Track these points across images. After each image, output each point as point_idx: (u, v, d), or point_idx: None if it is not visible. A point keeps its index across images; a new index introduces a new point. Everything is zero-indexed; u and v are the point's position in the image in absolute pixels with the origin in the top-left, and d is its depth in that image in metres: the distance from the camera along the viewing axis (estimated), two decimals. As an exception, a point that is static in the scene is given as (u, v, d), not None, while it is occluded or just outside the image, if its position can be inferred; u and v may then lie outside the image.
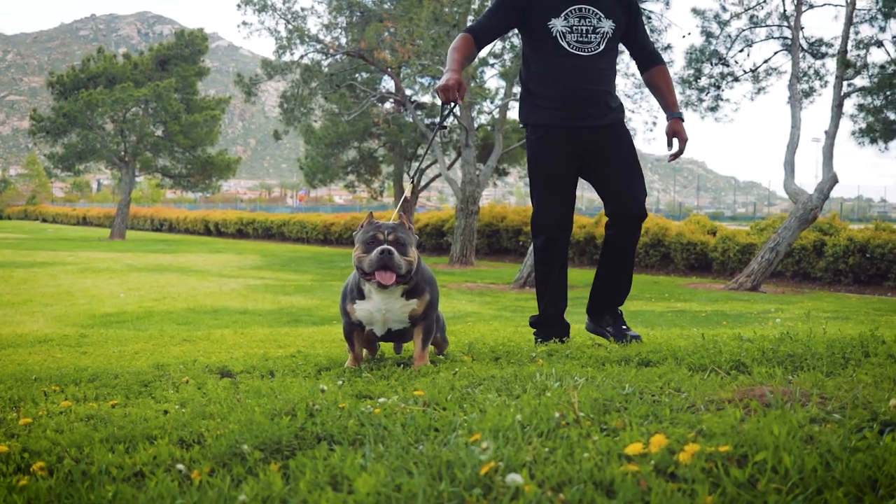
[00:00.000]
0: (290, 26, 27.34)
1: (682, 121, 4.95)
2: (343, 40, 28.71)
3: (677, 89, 24.46)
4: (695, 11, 23.24)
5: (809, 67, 22.16)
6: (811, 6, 21.57)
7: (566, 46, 4.65)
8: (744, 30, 23.03)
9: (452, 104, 4.64)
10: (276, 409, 2.38)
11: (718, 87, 23.99)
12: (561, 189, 4.77)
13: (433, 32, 21.40)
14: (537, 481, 1.52)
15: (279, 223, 41.93)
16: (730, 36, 23.28)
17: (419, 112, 29.97)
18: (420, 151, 34.48)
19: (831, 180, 19.62)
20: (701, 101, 24.14)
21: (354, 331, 4.17)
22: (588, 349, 3.94)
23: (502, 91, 28.19)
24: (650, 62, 5.04)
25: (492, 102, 28.47)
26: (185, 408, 2.71)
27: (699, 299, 17.09)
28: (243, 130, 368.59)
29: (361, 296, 4.07)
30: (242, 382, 3.21)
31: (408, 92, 29.27)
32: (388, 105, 32.77)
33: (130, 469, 2.05)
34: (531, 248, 19.76)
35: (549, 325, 4.90)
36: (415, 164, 35.75)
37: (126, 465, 2.06)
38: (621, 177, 4.76)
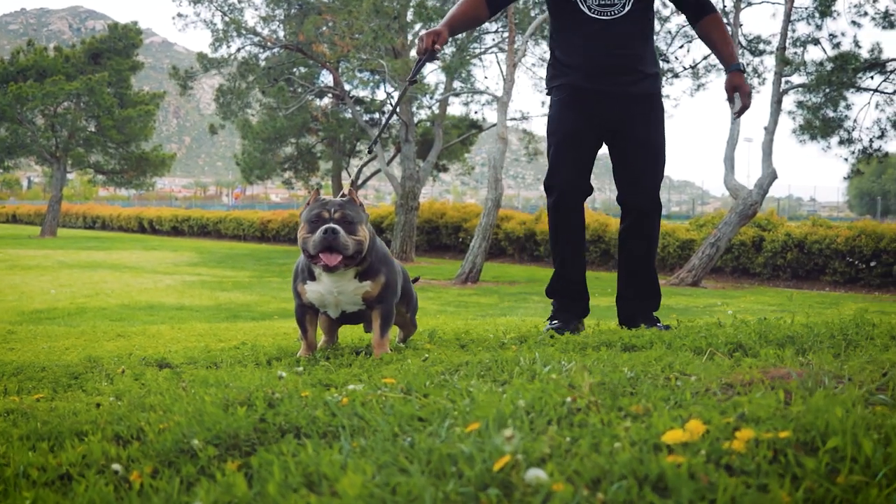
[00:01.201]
0: (226, 18, 26.77)
1: (744, 72, 4.59)
2: (281, 33, 28.19)
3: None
4: (635, 7, 23.18)
5: (748, 64, 22.26)
6: (749, 3, 21.69)
7: (587, 11, 4.30)
8: (684, 26, 23.06)
9: (426, 56, 4.32)
10: (229, 398, 2.03)
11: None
12: (577, 148, 4.44)
13: (374, 25, 21.05)
14: (566, 477, 1.23)
15: (215, 220, 41.24)
16: (670, 32, 23.33)
17: (358, 107, 29.55)
18: (360, 147, 34.06)
19: (771, 176, 19.72)
20: (641, 96, 24.10)
21: (307, 314, 3.85)
22: (564, 336, 3.67)
23: (442, 86, 27.96)
24: (700, 12, 4.58)
25: (431, 97, 28.21)
26: (120, 400, 2.36)
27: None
28: (178, 128, 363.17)
29: (312, 276, 3.74)
30: (186, 372, 2.85)
31: (346, 87, 28.88)
32: (326, 100, 32.28)
33: (55, 471, 1.72)
34: (472, 243, 19.57)
35: (565, 292, 4.62)
36: (353, 161, 35.32)
37: (50, 466, 1.73)
38: (640, 162, 4.45)
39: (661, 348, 2.71)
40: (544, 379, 1.98)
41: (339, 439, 1.62)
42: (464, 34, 26.02)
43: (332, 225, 3.50)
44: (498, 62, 28.82)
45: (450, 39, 22.10)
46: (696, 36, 4.64)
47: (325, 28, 25.73)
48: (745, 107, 4.52)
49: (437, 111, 28.19)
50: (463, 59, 23.76)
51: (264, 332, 7.21)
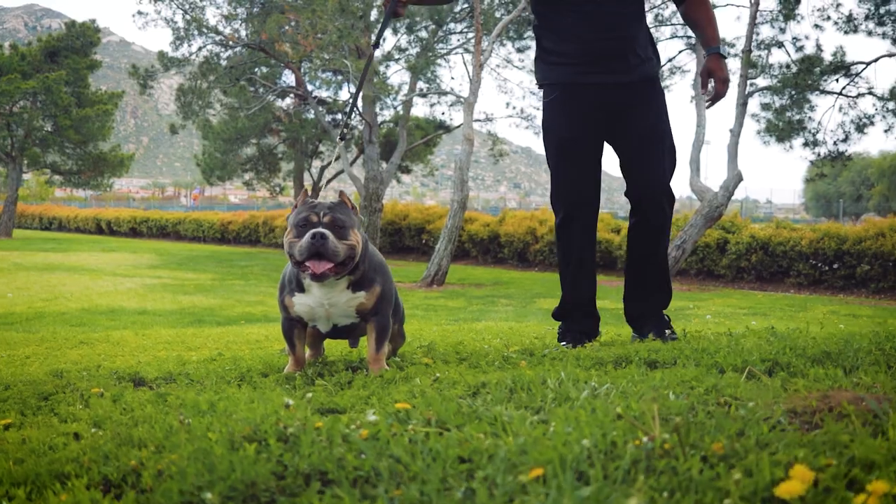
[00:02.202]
0: (187, 16, 26.31)
1: (724, 57, 4.23)
2: (243, 32, 27.78)
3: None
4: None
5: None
6: (714, 6, 21.65)
7: None
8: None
9: (389, 11, 3.97)
10: (234, 433, 1.77)
11: (623, 85, 23.95)
12: (578, 157, 4.13)
13: (339, 24, 20.76)
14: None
15: (174, 221, 40.76)
16: (636, 36, 23.24)
17: (321, 108, 29.22)
18: (322, 148, 33.70)
19: (736, 178, 19.69)
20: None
21: (295, 328, 3.53)
22: (575, 350, 3.43)
23: (406, 87, 27.72)
24: None
25: (394, 99, 27.97)
26: (101, 429, 2.09)
27: (610, 297, 16.79)
28: (136, 128, 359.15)
29: (301, 288, 3.44)
30: (170, 394, 2.57)
31: (309, 87, 28.56)
32: (288, 100, 31.92)
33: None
34: (437, 246, 19.37)
35: (573, 316, 4.30)
36: (315, 162, 34.96)
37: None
38: (643, 150, 4.10)
39: (691, 367, 2.49)
40: (586, 406, 1.75)
41: (374, 486, 1.38)
42: (428, 34, 25.82)
43: (321, 230, 3.21)
44: (464, 63, 28.64)
45: (411, 40, 21.66)
46: (683, 22, 4.38)
47: (287, 27, 25.40)
48: (718, 94, 4.24)
49: (401, 112, 27.95)
50: (428, 60, 23.55)
51: (234, 339, 6.94)
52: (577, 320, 4.30)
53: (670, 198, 4.19)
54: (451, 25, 25.95)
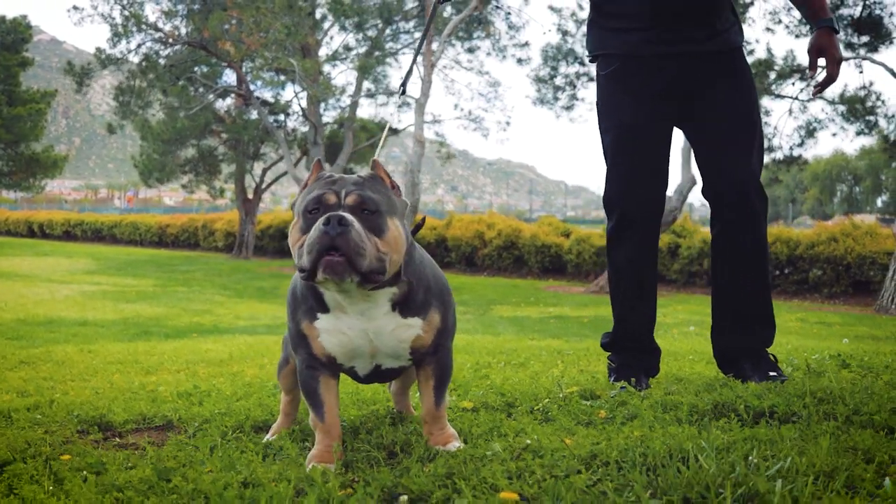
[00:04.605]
0: (125, 12, 25.43)
1: (836, 32, 3.39)
2: (183, 30, 26.95)
3: (532, 87, 24.09)
4: (552, 9, 22.92)
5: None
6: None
7: None
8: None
9: None
10: None
11: (574, 87, 23.78)
12: (641, 148, 3.33)
13: (286, 21, 20.15)
14: None
15: (110, 224, 39.79)
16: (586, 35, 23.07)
17: (264, 108, 28.49)
18: (265, 150, 32.91)
19: (690, 181, 19.58)
20: (556, 99, 23.91)
21: (321, 377, 2.32)
22: (641, 392, 2.93)
23: (351, 87, 27.19)
24: None
25: (338, 100, 27.41)
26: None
27: (568, 303, 16.58)
28: (67, 128, 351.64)
29: (323, 306, 2.29)
30: (173, 470, 1.98)
31: (252, 87, 27.85)
32: (229, 100, 31.09)
33: None
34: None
35: (627, 348, 3.48)
36: (258, 164, 34.13)
37: None
38: (730, 137, 3.26)
39: (828, 422, 2.02)
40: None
41: None
42: (376, 32, 25.30)
43: (339, 213, 2.08)
44: (415, 63, 28.10)
45: (363, 39, 21.22)
46: None
47: (230, 25, 24.68)
48: (831, 77, 3.40)
49: (346, 113, 27.39)
50: (378, 59, 23.06)
51: (193, 358, 6.37)
52: (632, 354, 3.49)
53: (763, 199, 3.32)
54: (401, 24, 25.49)
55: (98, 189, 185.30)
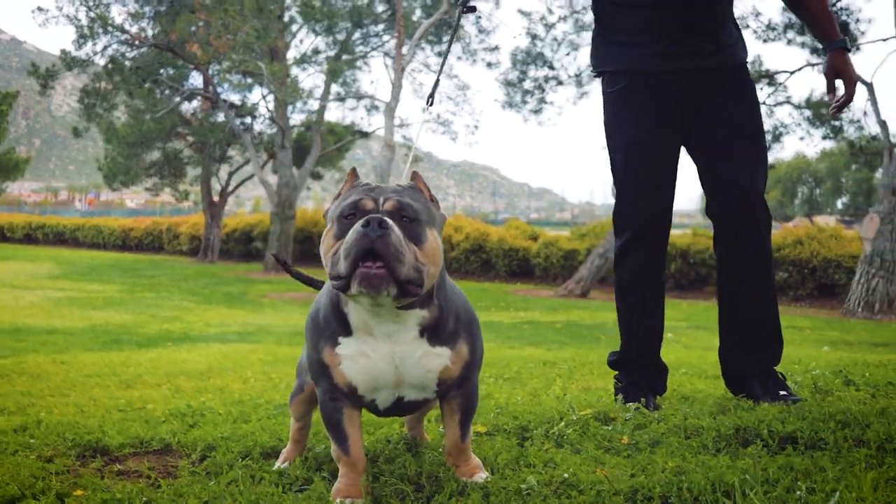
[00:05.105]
0: (91, 13, 25.08)
1: (848, 51, 3.38)
2: (150, 32, 26.64)
3: (500, 91, 24.13)
4: (521, 13, 22.97)
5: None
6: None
7: None
8: (570, 34, 22.95)
9: None
10: None
11: (542, 90, 23.86)
12: (650, 164, 3.31)
13: (255, 24, 19.99)
14: None
15: (73, 228, 39.29)
16: (556, 39, 23.15)
17: (231, 110, 28.26)
18: (231, 152, 32.67)
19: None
20: (525, 103, 23.99)
21: (345, 409, 2.22)
22: (654, 413, 2.88)
23: (319, 90, 27.04)
24: None
25: (305, 103, 27.27)
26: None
27: (538, 307, 16.59)
28: (27, 130, 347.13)
29: (347, 329, 2.18)
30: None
31: (218, 90, 27.64)
32: (195, 103, 30.81)
33: None
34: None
35: (635, 366, 3.45)
36: (224, 167, 33.86)
37: None
38: (734, 153, 3.26)
39: (858, 450, 1.98)
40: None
41: None
42: (345, 36, 25.19)
43: (379, 216, 1.97)
44: (386, 66, 27.98)
45: (332, 42, 21.17)
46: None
47: (197, 27, 24.43)
48: (848, 97, 3.38)
49: (314, 117, 27.25)
50: (347, 62, 22.95)
51: (173, 370, 6.26)
52: (639, 372, 3.46)
53: (768, 214, 3.32)
54: (371, 28, 25.40)
55: (58, 191, 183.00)
